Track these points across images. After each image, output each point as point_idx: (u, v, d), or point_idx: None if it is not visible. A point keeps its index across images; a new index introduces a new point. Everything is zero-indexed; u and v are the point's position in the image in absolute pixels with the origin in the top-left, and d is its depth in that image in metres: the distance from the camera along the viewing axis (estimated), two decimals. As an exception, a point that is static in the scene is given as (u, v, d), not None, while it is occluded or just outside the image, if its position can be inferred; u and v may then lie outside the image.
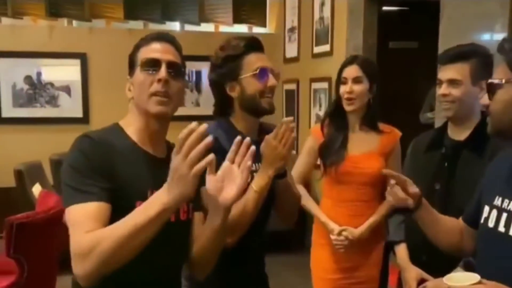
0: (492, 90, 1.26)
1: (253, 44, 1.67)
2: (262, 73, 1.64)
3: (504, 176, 1.33)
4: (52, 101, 5.10)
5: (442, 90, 1.80)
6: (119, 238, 1.12)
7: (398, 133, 2.32)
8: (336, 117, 2.27)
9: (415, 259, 1.87)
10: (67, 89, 5.13)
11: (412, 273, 1.85)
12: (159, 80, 1.30)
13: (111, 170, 1.25)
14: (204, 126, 1.11)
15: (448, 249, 1.61)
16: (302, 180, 2.38)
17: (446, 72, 1.80)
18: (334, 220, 2.26)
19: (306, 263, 2.44)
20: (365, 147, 2.25)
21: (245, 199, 1.54)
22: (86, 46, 5.08)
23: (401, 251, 1.93)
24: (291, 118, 1.61)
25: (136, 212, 1.15)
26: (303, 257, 2.41)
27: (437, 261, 1.74)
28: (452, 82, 1.78)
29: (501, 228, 1.27)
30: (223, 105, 1.71)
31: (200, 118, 3.96)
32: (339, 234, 2.20)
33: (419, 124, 4.62)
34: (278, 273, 4.21)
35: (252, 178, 1.58)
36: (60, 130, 4.80)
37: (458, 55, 1.78)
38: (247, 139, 1.29)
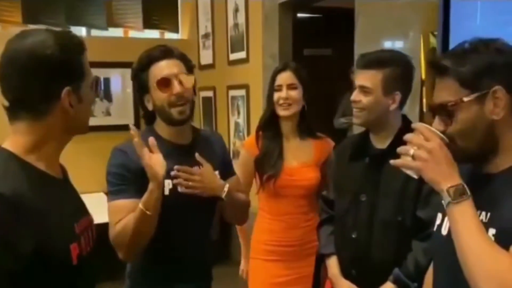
0: (448, 113, 1.13)
1: (158, 54, 1.66)
2: (162, 83, 1.62)
3: None
4: None
5: (353, 95, 1.77)
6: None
7: (331, 143, 2.30)
8: (270, 126, 2.21)
9: (345, 273, 1.83)
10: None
11: (343, 286, 1.81)
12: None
13: None
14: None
15: None
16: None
17: (359, 78, 1.76)
18: (271, 234, 2.21)
19: (231, 274, 2.37)
20: (301, 157, 2.20)
21: (131, 215, 1.55)
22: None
23: (332, 264, 1.89)
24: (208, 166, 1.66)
25: None
26: (228, 269, 2.34)
27: (366, 276, 1.71)
28: (363, 89, 1.74)
29: None
30: (147, 115, 1.73)
31: (112, 128, 3.68)
32: None
33: (333, 129, 4.70)
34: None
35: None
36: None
37: (373, 61, 1.74)
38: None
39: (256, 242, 2.28)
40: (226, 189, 1.67)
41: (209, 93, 4.84)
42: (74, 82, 1.14)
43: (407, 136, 1.16)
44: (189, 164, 1.63)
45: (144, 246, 1.59)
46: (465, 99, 1.12)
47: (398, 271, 1.67)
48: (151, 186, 1.51)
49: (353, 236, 1.78)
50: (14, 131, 1.13)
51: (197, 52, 5.02)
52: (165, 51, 1.66)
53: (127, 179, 1.61)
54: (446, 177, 1.10)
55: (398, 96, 1.74)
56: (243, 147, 2.34)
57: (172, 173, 1.60)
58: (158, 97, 1.64)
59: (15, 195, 1.02)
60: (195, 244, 1.73)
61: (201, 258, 1.77)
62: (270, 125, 2.21)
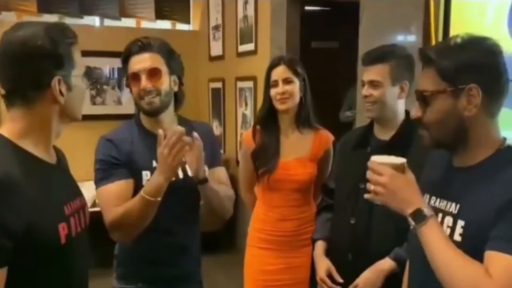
0: (424, 101, 1.20)
1: (135, 48, 1.73)
2: (132, 78, 1.74)
3: (439, 177, 1.31)
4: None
5: (364, 91, 1.84)
6: None
7: (331, 137, 2.32)
8: (267, 121, 2.24)
9: (341, 258, 1.88)
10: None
11: (323, 264, 1.90)
12: None
13: None
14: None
15: None
16: (249, 186, 2.39)
17: (367, 74, 1.84)
18: (264, 223, 2.27)
19: (235, 263, 2.41)
20: (297, 152, 2.23)
21: (133, 200, 1.62)
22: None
23: (318, 246, 1.97)
24: (182, 129, 1.58)
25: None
26: (232, 257, 2.40)
27: (362, 260, 1.77)
28: (373, 83, 1.82)
29: None
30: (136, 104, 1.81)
31: (122, 117, 3.83)
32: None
33: (339, 122, 4.75)
34: (208, 273, 4.21)
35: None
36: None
37: (378, 56, 1.82)
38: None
39: (252, 230, 2.35)
40: (206, 171, 1.73)
41: (218, 84, 4.92)
42: (64, 71, 1.21)
43: (367, 174, 1.25)
44: None
45: (145, 226, 1.64)
46: (441, 91, 1.18)
47: (398, 249, 1.72)
48: (161, 180, 1.58)
49: (352, 222, 1.83)
50: (10, 118, 1.21)
51: (207, 43, 5.10)
52: (142, 45, 1.73)
53: (116, 164, 1.70)
54: (406, 204, 1.19)
55: (406, 85, 1.83)
56: (242, 141, 2.38)
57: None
58: (132, 90, 1.76)
59: (6, 178, 1.07)
60: (183, 228, 1.80)
61: (189, 244, 1.85)
62: (268, 119, 2.24)
